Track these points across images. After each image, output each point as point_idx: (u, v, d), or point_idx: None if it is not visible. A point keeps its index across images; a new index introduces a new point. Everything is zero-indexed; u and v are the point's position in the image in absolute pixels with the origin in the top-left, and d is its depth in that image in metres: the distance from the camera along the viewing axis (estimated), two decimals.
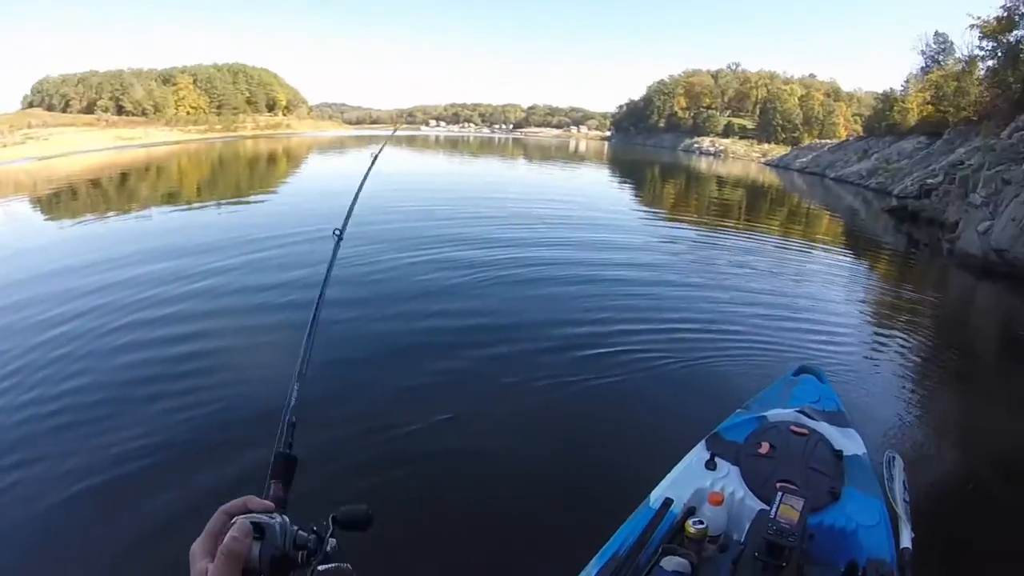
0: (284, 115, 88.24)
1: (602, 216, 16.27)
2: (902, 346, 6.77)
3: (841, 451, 2.62)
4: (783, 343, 6.34)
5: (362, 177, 2.38)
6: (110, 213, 14.31)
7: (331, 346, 5.51)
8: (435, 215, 13.70)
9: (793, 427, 2.75)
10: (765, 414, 2.92)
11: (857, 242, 15.64)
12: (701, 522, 2.08)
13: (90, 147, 39.19)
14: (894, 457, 2.94)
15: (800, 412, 2.91)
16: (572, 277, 8.67)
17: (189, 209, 15.38)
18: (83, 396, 4.65)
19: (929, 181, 22.64)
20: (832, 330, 7.08)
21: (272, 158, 36.97)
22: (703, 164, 53.38)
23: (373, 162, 2.65)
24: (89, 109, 65.30)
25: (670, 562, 1.91)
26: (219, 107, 76.04)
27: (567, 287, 8.16)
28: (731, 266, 10.52)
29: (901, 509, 2.41)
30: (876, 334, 7.20)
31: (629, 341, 6.07)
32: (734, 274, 9.85)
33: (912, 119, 39.05)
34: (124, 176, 24.16)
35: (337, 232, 1.78)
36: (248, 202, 17.34)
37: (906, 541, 2.21)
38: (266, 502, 0.78)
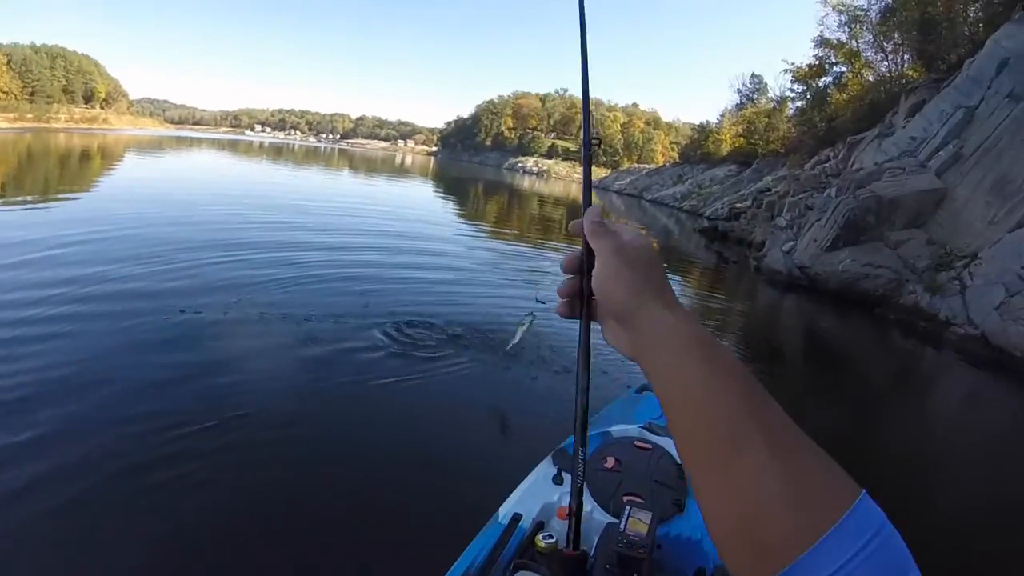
0: (102, 108, 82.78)
1: (430, 229, 16.00)
2: None
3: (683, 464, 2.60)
4: (616, 357, 6.38)
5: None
6: None
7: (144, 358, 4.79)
8: (256, 222, 12.55)
9: (637, 442, 2.82)
10: (609, 430, 2.97)
11: (672, 259, 16.73)
12: (551, 536, 2.07)
13: None
14: None
15: (644, 428, 2.99)
16: (409, 288, 8.24)
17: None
18: None
19: (738, 205, 25.08)
20: None
21: (87, 155, 32.66)
22: (526, 183, 55.54)
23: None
24: None
25: None
26: (32, 93, 68.88)
27: (400, 296, 7.68)
28: (554, 282, 10.63)
29: None
30: None
31: (466, 352, 5.78)
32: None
33: (725, 149, 43.58)
34: None
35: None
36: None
37: None
38: None
